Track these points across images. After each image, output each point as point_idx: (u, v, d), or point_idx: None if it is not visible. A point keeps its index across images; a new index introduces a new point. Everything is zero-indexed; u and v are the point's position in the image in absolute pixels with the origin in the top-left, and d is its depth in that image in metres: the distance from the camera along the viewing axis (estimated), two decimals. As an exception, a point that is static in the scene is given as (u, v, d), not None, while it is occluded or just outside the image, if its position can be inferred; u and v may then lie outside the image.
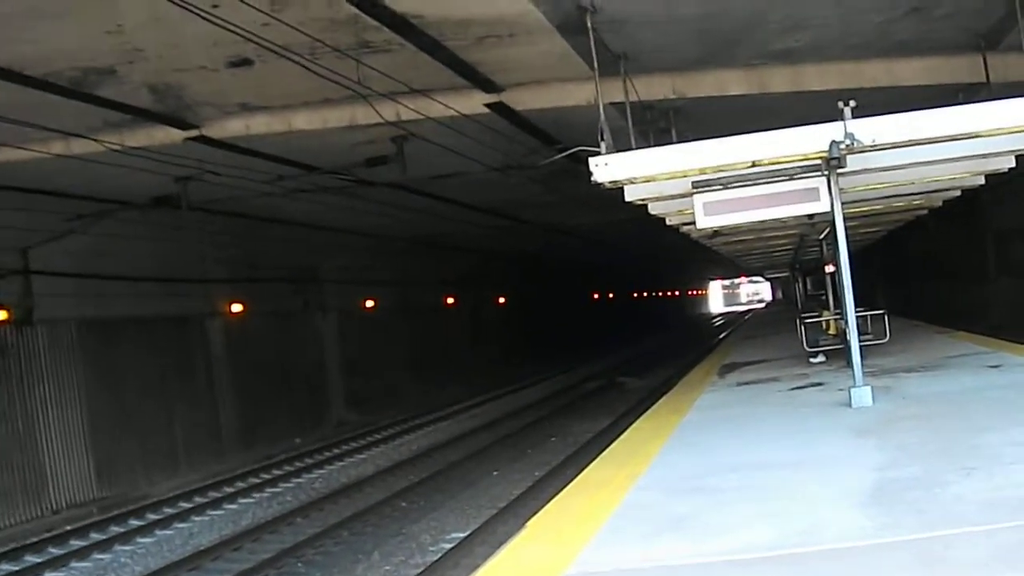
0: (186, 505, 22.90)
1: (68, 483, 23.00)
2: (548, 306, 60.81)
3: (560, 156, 17.03)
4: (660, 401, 17.95)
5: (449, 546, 17.01)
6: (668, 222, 16.69)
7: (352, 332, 37.46)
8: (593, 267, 64.31)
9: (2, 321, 21.64)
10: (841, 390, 13.47)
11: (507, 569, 7.22)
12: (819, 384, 15.77)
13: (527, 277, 55.67)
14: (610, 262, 63.76)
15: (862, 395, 12.41)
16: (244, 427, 29.97)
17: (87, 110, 14.76)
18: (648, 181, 12.50)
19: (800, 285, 41.12)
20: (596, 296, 74.63)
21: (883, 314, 19.70)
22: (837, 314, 19.25)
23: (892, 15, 14.19)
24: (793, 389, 15.71)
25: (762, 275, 73.86)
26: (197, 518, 21.72)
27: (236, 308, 30.16)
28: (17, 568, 18.19)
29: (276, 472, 26.62)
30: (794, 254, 29.87)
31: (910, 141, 11.44)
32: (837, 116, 11.29)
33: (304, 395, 34.12)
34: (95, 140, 16.06)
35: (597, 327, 70.51)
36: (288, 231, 28.77)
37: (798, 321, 21.41)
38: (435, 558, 16.31)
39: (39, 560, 18.69)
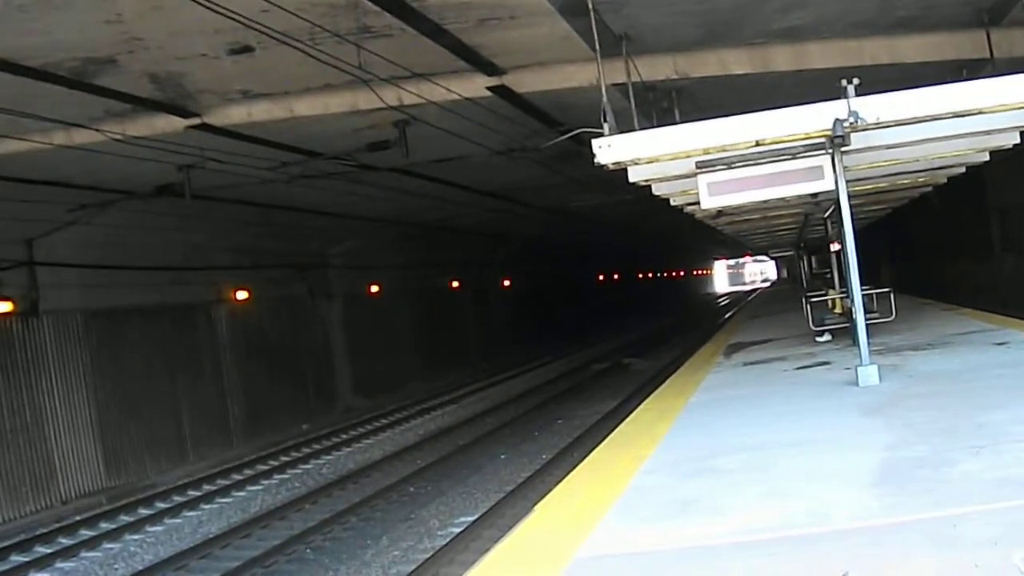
0: (195, 493, 22.97)
1: (77, 473, 23.07)
2: (553, 288, 60.81)
3: (563, 138, 16.98)
4: (666, 382, 17.93)
5: (458, 530, 17.05)
6: (672, 203, 16.65)
7: (358, 317, 37.47)
8: (598, 248, 64.26)
9: (7, 313, 21.66)
10: (847, 369, 13.47)
11: (516, 553, 7.21)
12: (825, 363, 15.75)
13: (532, 260, 55.64)
14: (615, 243, 63.70)
15: (869, 374, 12.38)
16: (251, 414, 30.02)
17: (88, 100, 14.72)
18: (652, 162, 12.47)
19: (805, 264, 40.98)
20: (601, 277, 74.62)
21: (889, 292, 19.66)
22: (843, 293, 19.21)
23: (893, -9, 14.15)
24: (799, 368, 15.69)
25: (767, 254, 73.76)
26: (206, 506, 21.80)
27: (241, 295, 30.19)
28: (28, 559, 18.26)
29: (284, 459, 26.68)
30: (799, 233, 29.80)
31: (914, 118, 11.39)
32: (840, 94, 11.25)
33: (311, 381, 34.16)
34: (97, 130, 16.03)
35: (602, 309, 70.56)
36: (291, 217, 28.75)
37: (803, 300, 21.38)
38: (444, 542, 16.34)
39: (50, 550, 18.77)
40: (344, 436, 29.89)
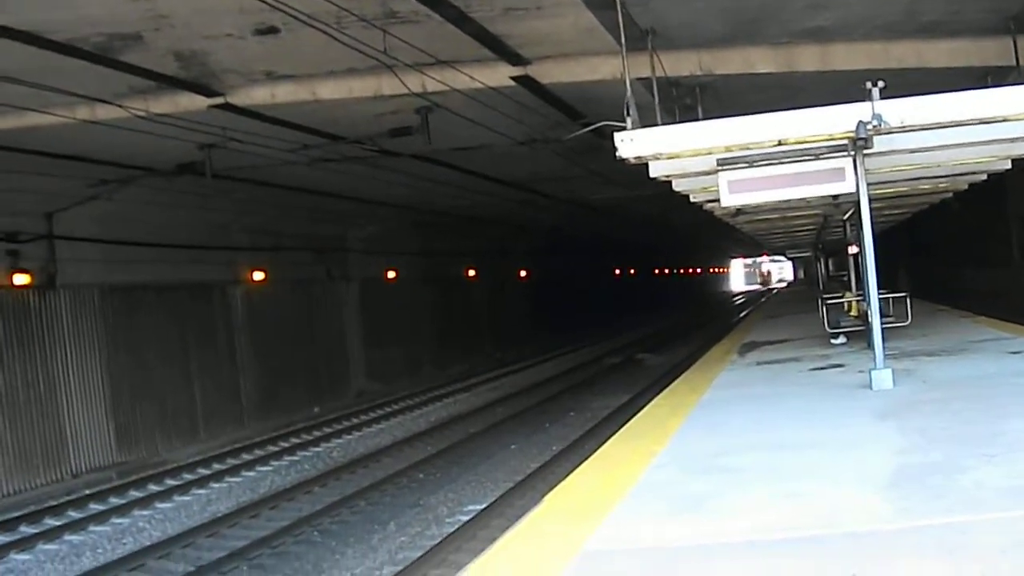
0: (205, 471, 23.04)
1: (88, 447, 23.16)
2: (569, 281, 60.77)
3: (585, 131, 16.97)
4: (679, 379, 17.92)
5: (466, 518, 17.06)
6: (692, 199, 16.62)
7: (374, 302, 37.51)
8: (615, 243, 64.21)
9: (25, 285, 21.73)
10: (862, 372, 13.44)
11: (524, 543, 7.22)
12: (840, 365, 15.71)
13: (549, 251, 55.62)
14: (632, 238, 63.66)
15: (883, 378, 12.37)
16: (264, 395, 30.09)
17: (112, 76, 14.75)
18: (673, 158, 12.44)
19: (822, 265, 40.93)
20: (617, 272, 74.53)
21: (905, 297, 19.60)
22: (859, 295, 19.16)
23: (920, -5, 14.10)
24: (813, 370, 15.66)
25: (784, 254, 73.64)
26: (215, 484, 21.86)
27: (258, 276, 30.25)
28: (37, 530, 18.34)
29: (295, 440, 26.75)
30: (817, 234, 29.73)
31: (938, 123, 11.35)
32: (864, 96, 11.21)
33: (324, 364, 34.22)
34: (120, 106, 16.06)
35: (617, 303, 70.53)
36: (311, 200, 28.78)
37: (820, 302, 21.33)
38: (452, 530, 16.36)
39: (59, 523, 18.84)
40: (355, 420, 29.93)
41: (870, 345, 13.26)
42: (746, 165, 12.26)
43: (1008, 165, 15.24)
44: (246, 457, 24.68)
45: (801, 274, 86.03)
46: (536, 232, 49.37)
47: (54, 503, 20.30)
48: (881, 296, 14.19)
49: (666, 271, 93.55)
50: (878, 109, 11.13)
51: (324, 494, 20.33)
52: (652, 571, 6.22)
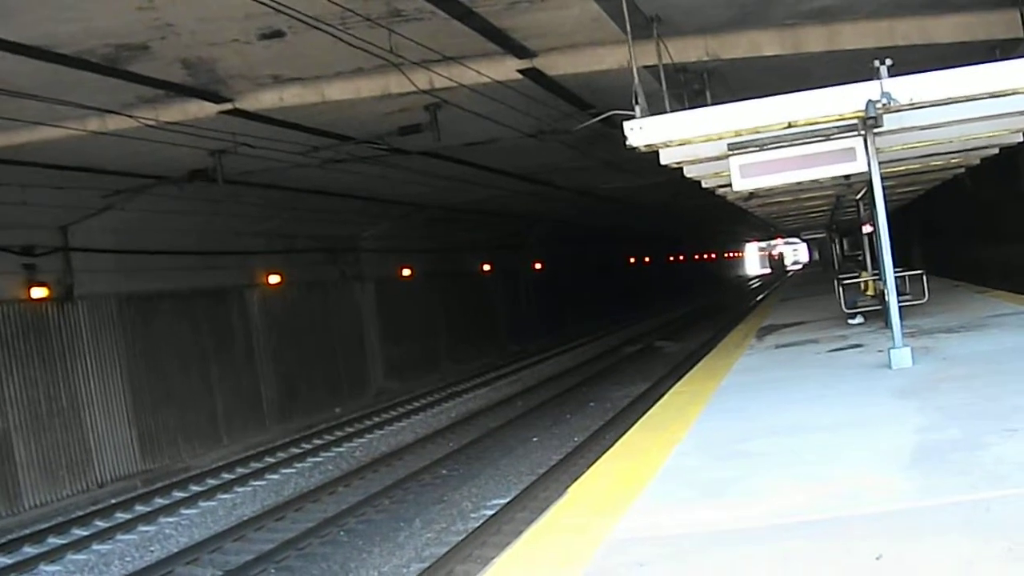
0: (228, 476, 23.14)
1: (112, 457, 23.28)
2: (584, 271, 60.77)
3: (594, 121, 16.96)
4: (698, 365, 17.93)
5: (490, 512, 17.11)
6: (704, 185, 16.61)
7: (390, 301, 37.58)
8: (628, 231, 64.15)
9: (43, 298, 21.84)
10: (880, 351, 13.42)
11: (549, 534, 7.24)
12: (858, 346, 15.70)
13: (563, 242, 55.61)
14: (645, 226, 63.58)
15: (902, 356, 12.35)
16: (284, 397, 30.18)
17: (121, 86, 14.81)
18: (683, 144, 12.43)
19: (837, 246, 40.86)
20: (632, 260, 74.47)
21: (921, 274, 19.58)
22: (875, 275, 19.13)
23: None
24: (832, 351, 15.65)
25: (798, 236, 73.47)
26: (240, 489, 21.94)
27: (274, 279, 30.33)
28: (65, 541, 18.45)
29: (317, 442, 26.84)
30: (830, 215, 29.69)
31: (947, 99, 11.31)
32: (872, 75, 11.19)
33: (343, 364, 34.29)
34: (130, 116, 16.12)
35: (633, 291, 70.47)
36: (323, 201, 28.83)
37: (836, 282, 21.31)
38: (477, 524, 16.40)
39: (86, 533, 18.96)
40: (376, 419, 30.00)
41: (888, 324, 13.26)
42: (757, 149, 12.25)
43: (1020, 138, 15.16)
44: (269, 460, 24.77)
45: (816, 255, 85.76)
46: (549, 224, 49.36)
47: (80, 513, 20.43)
48: (897, 274, 14.17)
49: (680, 257, 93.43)
50: (887, 87, 11.10)
51: (348, 494, 20.41)
52: (679, 558, 6.23)
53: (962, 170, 20.23)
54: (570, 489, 8.61)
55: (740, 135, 12.00)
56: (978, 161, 18.57)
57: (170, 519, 19.79)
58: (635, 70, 12.76)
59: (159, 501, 21.20)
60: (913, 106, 11.37)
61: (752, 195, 18.58)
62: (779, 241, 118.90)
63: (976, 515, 6.03)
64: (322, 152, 20.92)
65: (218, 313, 28.12)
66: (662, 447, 9.58)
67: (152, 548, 17.99)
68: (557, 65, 16.48)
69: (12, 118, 14.95)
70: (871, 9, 15.33)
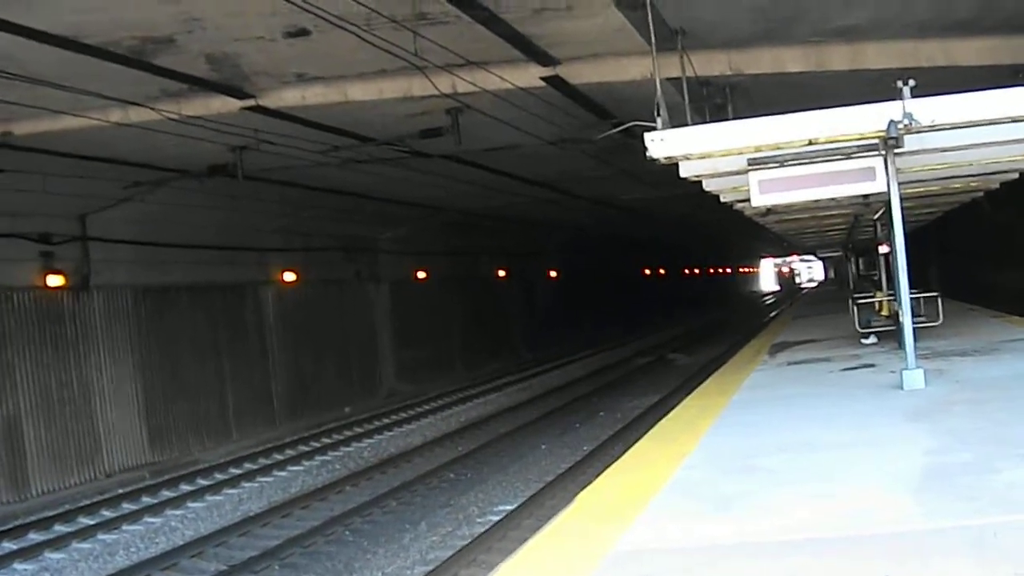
0: (236, 471, 23.18)
1: (121, 447, 23.35)
2: (599, 281, 60.72)
3: (615, 131, 16.98)
4: (710, 379, 17.91)
5: (497, 518, 17.10)
6: (722, 199, 16.59)
7: (404, 302, 37.63)
8: (645, 242, 64.15)
9: (59, 287, 21.91)
10: (893, 372, 13.38)
11: (555, 542, 7.25)
12: (871, 365, 15.66)
13: (579, 251, 55.60)
14: (662, 238, 63.57)
15: (914, 378, 12.32)
16: (295, 395, 30.23)
17: (145, 79, 14.86)
18: (703, 157, 12.44)
19: (852, 265, 40.75)
20: (647, 272, 74.43)
21: (936, 296, 19.53)
22: (890, 295, 19.09)
23: (951, -8, 14.04)
24: (844, 370, 15.62)
25: (814, 254, 73.34)
26: (247, 484, 21.98)
27: (290, 277, 30.38)
28: (71, 529, 18.50)
29: (326, 440, 26.88)
30: (847, 234, 29.62)
31: (970, 122, 11.30)
32: (895, 95, 11.18)
33: (355, 364, 34.34)
34: (153, 108, 16.16)
35: (647, 303, 70.40)
36: (342, 201, 28.88)
37: (850, 301, 21.26)
38: (483, 530, 16.40)
39: (92, 522, 19.01)
40: (386, 420, 30.04)
41: (901, 345, 13.23)
42: (777, 165, 12.24)
43: (1041, 163, 15.14)
44: (278, 457, 24.81)
45: (832, 273, 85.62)
46: (566, 232, 49.38)
47: (88, 502, 20.49)
48: (912, 296, 14.13)
49: (696, 271, 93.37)
50: (909, 108, 11.09)
51: (355, 494, 20.42)
52: (684, 570, 6.23)
53: (980, 193, 20.18)
54: (578, 498, 8.62)
55: (760, 151, 12.00)
56: (997, 185, 18.52)
57: (176, 512, 19.83)
58: (658, 82, 12.78)
59: (166, 493, 21.24)
60: (935, 128, 11.36)
61: (770, 211, 18.54)
62: (794, 258, 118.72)
63: (984, 540, 6.01)
64: (343, 152, 20.96)
65: (233, 308, 28.17)
66: (671, 459, 9.58)
67: (157, 540, 18.02)
68: (580, 74, 16.50)
69: (36, 106, 15.01)
70: (896, 29, 15.32)
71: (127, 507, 20.16)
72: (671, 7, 13.52)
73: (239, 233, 27.78)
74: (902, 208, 12.78)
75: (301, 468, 23.67)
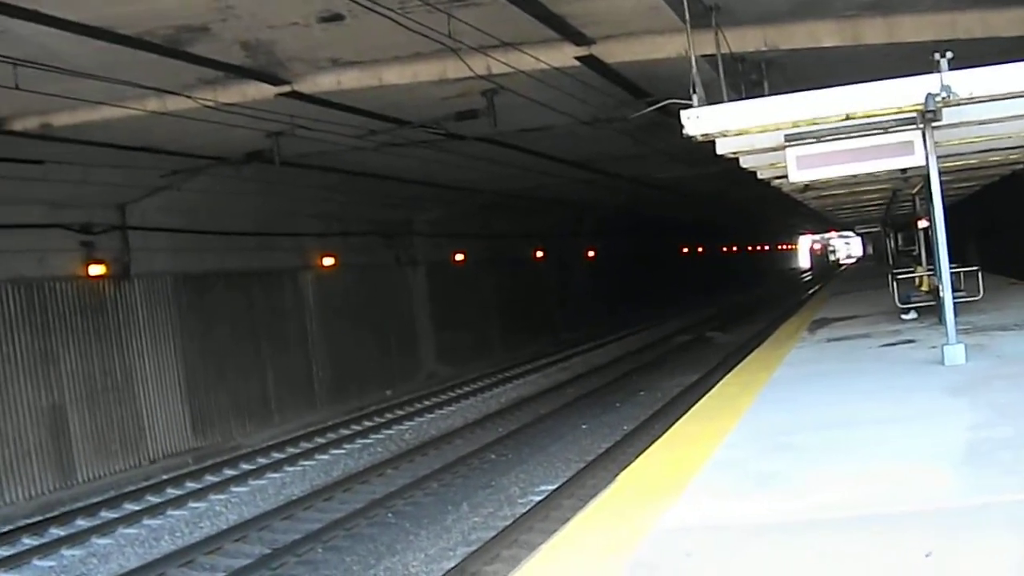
0: (279, 455, 23.34)
1: (164, 433, 23.54)
2: (636, 260, 60.62)
3: (651, 109, 16.92)
4: (749, 357, 17.89)
5: (538, 498, 17.15)
6: (759, 176, 16.54)
7: (442, 285, 37.70)
8: (681, 221, 63.96)
9: (100, 275, 22.09)
10: (933, 348, 13.33)
11: (597, 522, 7.28)
12: (911, 341, 15.60)
13: (616, 231, 55.50)
14: (698, 216, 63.34)
15: (955, 353, 12.27)
16: (335, 379, 30.36)
17: (181, 67, 14.91)
18: (740, 134, 12.41)
19: (891, 240, 40.50)
20: (684, 250, 74.23)
21: (976, 271, 19.41)
22: (930, 270, 18.98)
23: (989, -38, 13.90)
24: (884, 346, 15.56)
25: (852, 230, 72.87)
26: (290, 468, 22.13)
27: (328, 262, 30.49)
28: (117, 515, 18.69)
29: (367, 423, 27.01)
30: (886, 209, 29.46)
31: (1008, 94, 11.20)
32: (932, 68, 11.10)
33: (395, 347, 34.46)
34: (189, 97, 16.22)
35: (685, 281, 70.25)
36: (378, 185, 28.94)
37: (890, 277, 21.16)
38: (524, 510, 16.45)
39: (138, 508, 19.19)
40: (427, 402, 30.14)
41: (941, 320, 13.17)
42: (814, 140, 12.19)
43: (1081, 135, 15.00)
44: (319, 441, 24.96)
45: (870, 249, 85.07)
46: (602, 211, 49.27)
47: (132, 488, 20.69)
48: (952, 270, 14.05)
49: (733, 248, 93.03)
50: (946, 80, 11.01)
51: (397, 476, 20.53)
52: (725, 549, 6.25)
53: (1020, 166, 20.02)
54: (619, 477, 8.65)
55: (797, 126, 11.95)
56: (1038, 157, 18.38)
57: (220, 496, 19.99)
58: (693, 59, 12.72)
59: (209, 478, 21.42)
60: (973, 100, 11.28)
61: (807, 187, 18.46)
62: (832, 234, 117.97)
63: (1026, 514, 6.00)
64: (379, 136, 20.98)
65: (272, 294, 28.31)
66: (711, 438, 9.58)
67: (202, 524, 18.19)
68: (615, 53, 16.42)
69: (74, 97, 15.10)
70: (932, 1, 15.18)
71: (171, 492, 20.34)
72: (705, -17, 13.47)
73: (277, 219, 27.90)
74: (941, 182, 12.70)
75: (343, 451, 23.81)
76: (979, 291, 18.57)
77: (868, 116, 11.67)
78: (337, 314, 31.05)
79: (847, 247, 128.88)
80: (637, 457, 9.68)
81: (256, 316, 27.42)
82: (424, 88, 17.22)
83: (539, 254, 47.54)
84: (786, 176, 13.31)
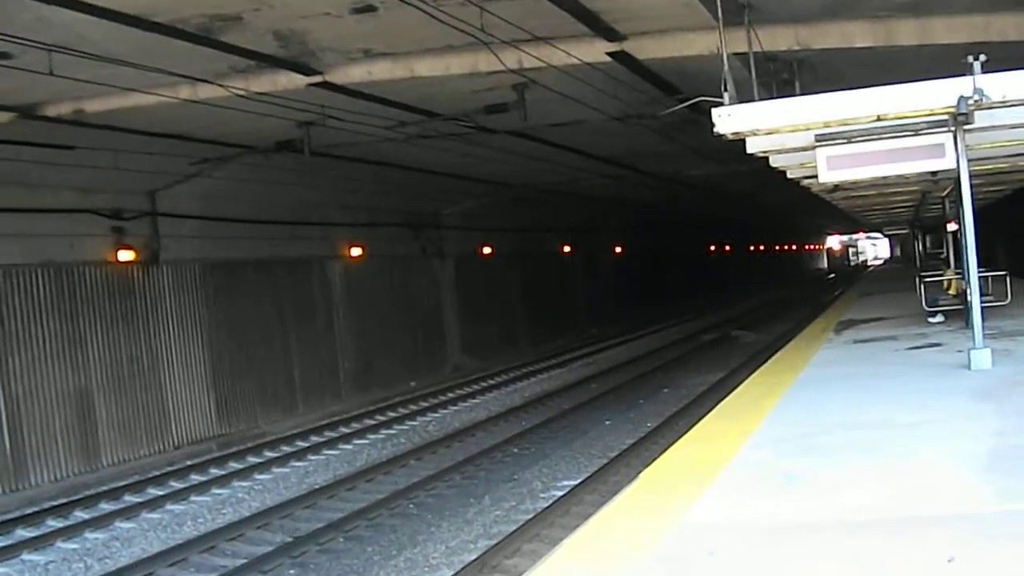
0: (302, 444, 23.41)
1: (189, 420, 23.66)
2: (664, 257, 60.53)
3: (682, 106, 16.91)
4: (775, 356, 17.84)
5: (560, 493, 17.15)
6: (789, 175, 16.48)
7: (469, 278, 37.74)
8: (709, 219, 63.80)
9: (130, 261, 22.21)
10: (960, 352, 13.28)
11: (619, 518, 7.29)
12: (937, 344, 15.55)
13: (644, 227, 55.41)
14: (726, 214, 63.19)
15: (982, 357, 12.22)
16: (361, 369, 30.43)
17: (213, 56, 14.97)
18: (771, 133, 12.38)
19: (919, 243, 40.36)
20: (712, 248, 74.07)
21: (1005, 275, 19.32)
22: (958, 273, 18.90)
23: (1025, -35, 13.82)
24: (910, 349, 15.52)
25: (880, 231, 72.61)
26: (313, 457, 22.19)
27: (356, 252, 30.55)
28: (141, 499, 18.79)
29: (391, 414, 27.06)
30: (915, 211, 29.32)
31: (1042, 98, 11.15)
32: (965, 71, 11.05)
33: (421, 339, 34.52)
34: (221, 85, 16.29)
35: (712, 279, 70.13)
36: (407, 177, 28.96)
37: (917, 280, 21.08)
38: (546, 505, 16.45)
39: (161, 493, 19.28)
40: (451, 395, 30.16)
41: (968, 324, 13.12)
42: (844, 141, 12.15)
43: (1114, 140, 14.89)
44: (343, 430, 25.02)
45: (898, 251, 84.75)
46: (630, 208, 49.20)
47: (157, 473, 20.81)
48: (980, 274, 13.99)
49: (761, 247, 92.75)
50: (979, 83, 10.96)
51: (420, 467, 20.55)
52: (748, 548, 6.25)
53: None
54: (642, 474, 8.65)
55: (828, 126, 11.92)
56: (1070, 163, 18.26)
57: (243, 483, 20.07)
58: (725, 57, 12.69)
59: (233, 465, 21.50)
60: (1005, 104, 11.22)
61: (837, 188, 18.39)
62: (860, 235, 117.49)
63: (1051, 521, 5.98)
64: (409, 127, 21.01)
65: (300, 283, 28.39)
66: (735, 437, 9.58)
67: (224, 511, 18.26)
68: (646, 49, 16.41)
69: (107, 83, 15.18)
70: (966, 3, 15.09)
71: (195, 478, 20.43)
72: (738, -19, 13.43)
73: (306, 208, 27.98)
74: (971, 185, 12.64)
75: (366, 441, 23.86)
76: (1007, 296, 18.49)
77: (899, 118, 11.63)
78: (364, 304, 31.11)
79: (874, 248, 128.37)
80: (660, 454, 9.68)
81: (283, 305, 27.51)
82: (455, 81, 17.24)
83: (566, 249, 47.52)
84: (816, 176, 13.27)
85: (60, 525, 17.37)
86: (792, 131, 12.20)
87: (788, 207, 57.44)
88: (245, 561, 14.95)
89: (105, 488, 19.58)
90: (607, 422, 24.38)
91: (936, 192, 20.49)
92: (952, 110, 11.20)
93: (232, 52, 15.00)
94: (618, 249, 54.08)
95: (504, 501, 17.57)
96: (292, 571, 14.66)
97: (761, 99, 13.44)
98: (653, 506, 7.42)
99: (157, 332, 23.09)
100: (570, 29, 15.06)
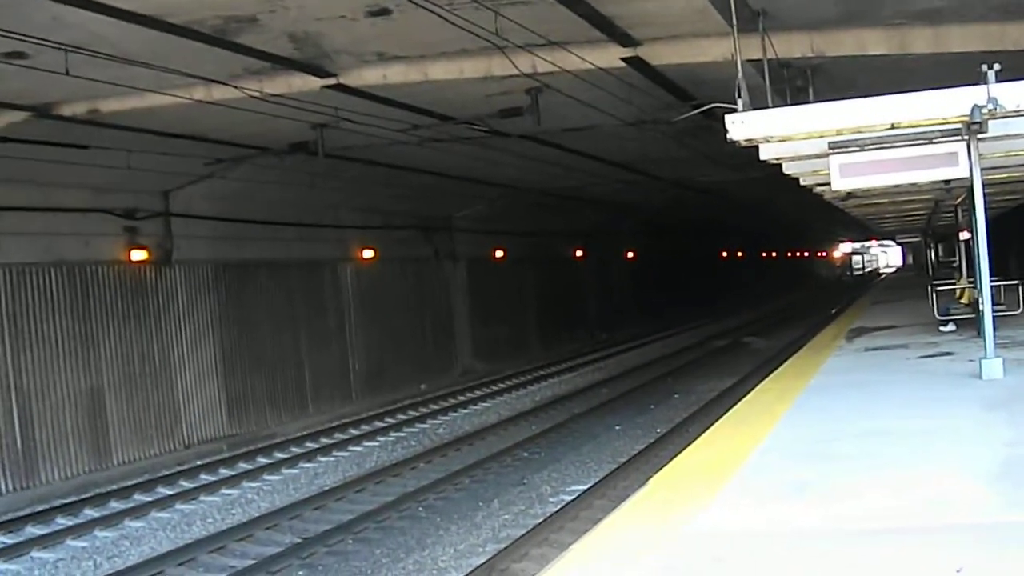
0: (312, 445, 23.44)
1: (200, 419, 23.70)
2: (676, 263, 60.45)
3: (695, 112, 16.89)
4: (786, 363, 17.83)
5: (569, 498, 17.13)
6: (802, 182, 16.48)
7: (481, 281, 37.76)
8: (722, 225, 63.73)
9: (142, 261, 22.26)
10: (971, 361, 13.26)
11: (628, 524, 7.29)
12: (949, 353, 15.52)
13: (656, 233, 55.35)
14: (739, 220, 63.11)
15: (993, 367, 12.20)
16: (372, 371, 30.46)
17: (228, 57, 15.00)
18: (784, 140, 12.38)
19: (931, 251, 40.27)
20: (724, 254, 73.99)
21: (1017, 285, 19.28)
22: (970, 282, 18.86)
23: (1040, -27, 13.79)
24: (922, 357, 15.50)
25: (893, 239, 72.47)
26: (323, 458, 22.21)
27: (368, 254, 30.58)
28: (150, 499, 18.83)
29: (401, 417, 27.08)
30: (927, 219, 29.28)
31: (1056, 108, 11.13)
32: (979, 79, 11.03)
33: (432, 342, 34.54)
34: (235, 87, 16.33)
35: (724, 285, 70.02)
36: (420, 180, 28.98)
37: (929, 288, 21.05)
38: (555, 509, 16.44)
39: (171, 492, 19.32)
40: (461, 398, 30.18)
41: (980, 333, 13.09)
42: (858, 148, 12.15)
43: None
44: (353, 432, 25.05)
45: (910, 259, 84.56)
46: (643, 213, 49.15)
47: (167, 472, 20.85)
48: (993, 284, 13.96)
49: (773, 254, 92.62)
50: (994, 92, 10.93)
51: (429, 470, 20.56)
52: (756, 555, 6.25)
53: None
54: (651, 480, 8.66)
55: (842, 134, 11.92)
56: (1083, 172, 18.21)
57: (253, 484, 20.10)
58: (739, 63, 12.69)
59: (243, 466, 21.54)
60: (1020, 113, 11.20)
61: (850, 195, 18.40)
62: (873, 243, 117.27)
63: (1061, 532, 5.97)
64: (422, 131, 21.04)
65: (311, 284, 28.44)
66: (746, 443, 9.58)
67: (234, 511, 18.28)
68: (660, 55, 16.41)
69: (122, 84, 15.22)
70: (981, 12, 15.07)
71: (205, 478, 20.47)
72: (753, -12, 13.44)
73: (318, 210, 28.03)
74: (984, 194, 12.63)
75: (376, 444, 23.88)
76: (1019, 305, 18.45)
77: (913, 126, 11.63)
78: (375, 306, 31.15)
79: (885, 256, 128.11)
80: (670, 460, 9.68)
81: (294, 306, 27.55)
82: (469, 84, 17.27)
83: (579, 253, 47.50)
84: (829, 184, 13.27)
85: (70, 523, 17.41)
86: (805, 138, 12.21)
87: (801, 214, 57.36)
88: (254, 561, 14.96)
89: (115, 487, 19.62)
90: (617, 427, 24.37)
91: (949, 200, 20.47)
92: (966, 119, 11.18)
93: (247, 54, 15.04)
94: (630, 254, 54.03)
95: (513, 505, 17.58)
96: (301, 572, 14.67)
97: (775, 106, 13.45)
98: (662, 511, 7.42)
99: (169, 332, 23.14)
100: (584, 34, 15.08)
